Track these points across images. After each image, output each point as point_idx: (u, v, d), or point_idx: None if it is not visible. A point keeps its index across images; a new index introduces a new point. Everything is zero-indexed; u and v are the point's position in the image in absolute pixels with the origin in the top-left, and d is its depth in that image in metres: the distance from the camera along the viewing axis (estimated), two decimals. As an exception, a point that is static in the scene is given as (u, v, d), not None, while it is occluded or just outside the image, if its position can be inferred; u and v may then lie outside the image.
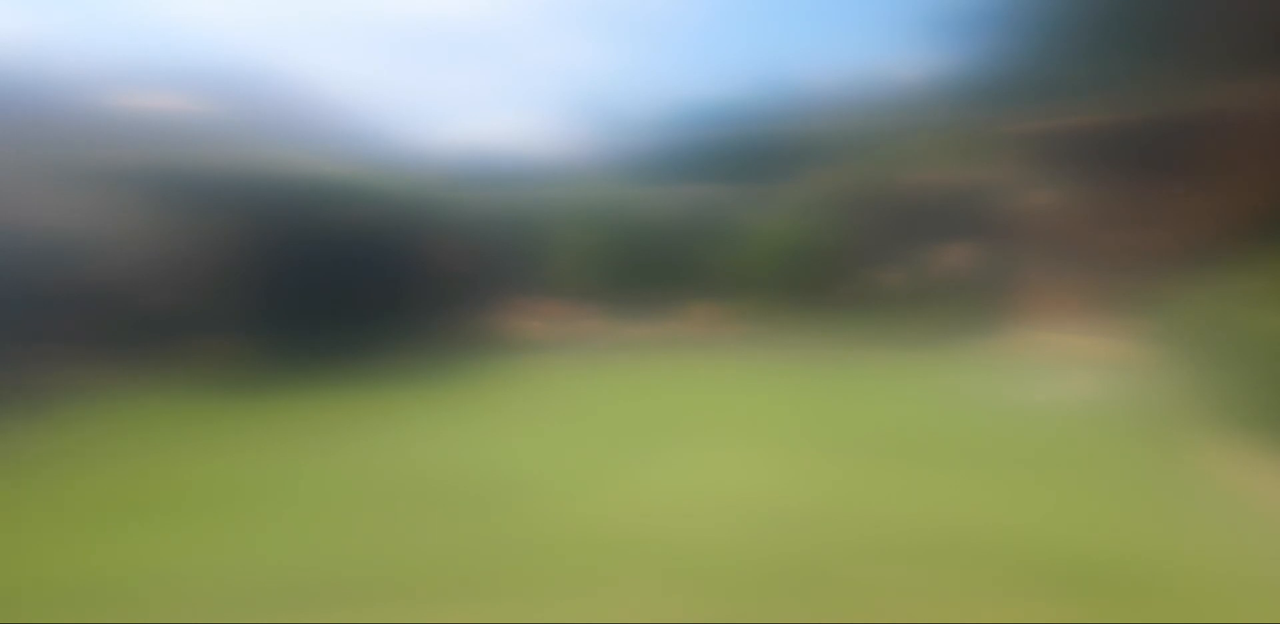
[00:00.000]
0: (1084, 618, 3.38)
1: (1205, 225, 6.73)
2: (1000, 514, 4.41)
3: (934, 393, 6.84)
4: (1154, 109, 7.25)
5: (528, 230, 8.66)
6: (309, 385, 6.95)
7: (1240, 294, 5.79)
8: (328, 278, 7.88)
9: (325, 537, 4.24)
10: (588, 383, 7.71)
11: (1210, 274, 6.14)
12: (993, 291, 7.86)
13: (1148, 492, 4.73)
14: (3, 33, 7.20)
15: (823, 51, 8.50)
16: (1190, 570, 3.75)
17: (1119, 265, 7.12)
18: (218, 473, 5.30)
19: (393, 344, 7.71)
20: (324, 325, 7.63)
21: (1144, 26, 7.32)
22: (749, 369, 7.95)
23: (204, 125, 7.81)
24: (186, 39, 7.73)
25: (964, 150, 8.05)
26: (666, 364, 8.07)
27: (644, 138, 8.73)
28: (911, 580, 3.67)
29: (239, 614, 3.44)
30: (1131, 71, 7.31)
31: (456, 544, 4.09)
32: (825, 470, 5.14)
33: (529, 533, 4.22)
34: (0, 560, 4.02)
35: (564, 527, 4.27)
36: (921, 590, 3.59)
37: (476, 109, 8.66)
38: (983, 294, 7.88)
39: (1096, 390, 6.41)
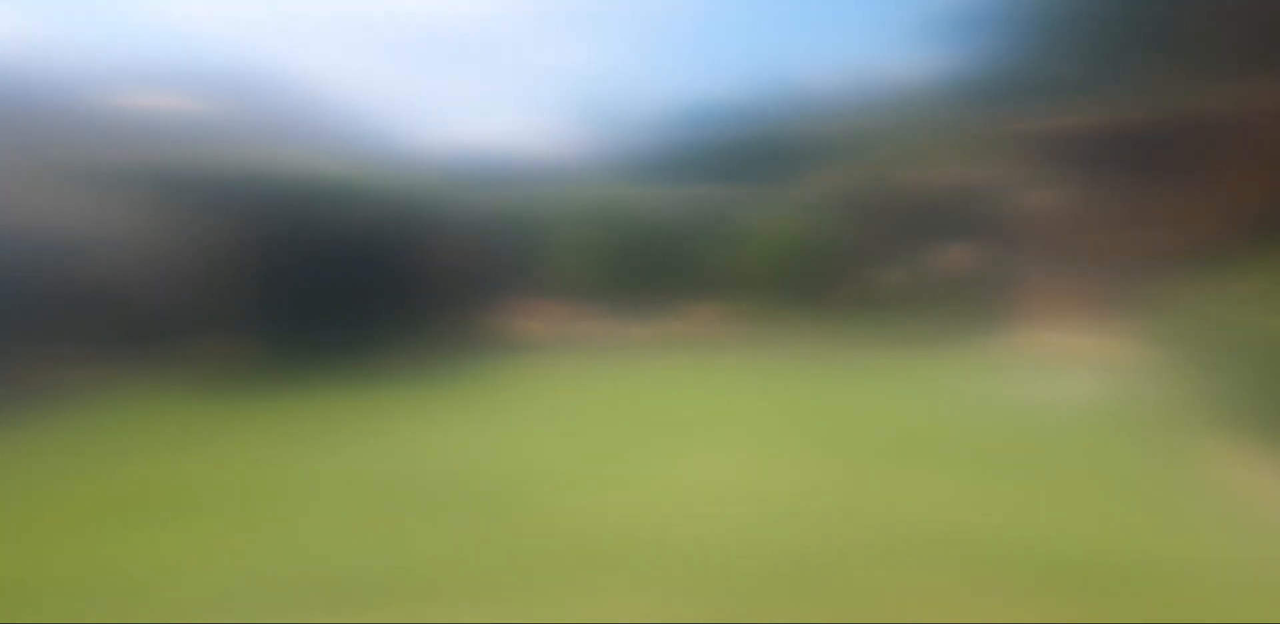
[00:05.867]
0: (1084, 618, 3.38)
1: (1205, 225, 6.72)
2: (1000, 514, 4.41)
3: (934, 393, 6.84)
4: (1154, 109, 7.25)
5: (528, 230, 8.65)
6: (310, 385, 6.95)
7: (1240, 295, 5.79)
8: (328, 278, 7.88)
9: (325, 537, 4.24)
10: (588, 383, 7.70)
11: (1210, 275, 6.13)
12: (993, 292, 7.85)
13: (1148, 492, 4.73)
14: (3, 33, 7.19)
15: (823, 51, 8.49)
16: (1190, 570, 3.75)
17: (1119, 265, 7.12)
18: (217, 473, 5.30)
19: (393, 344, 7.71)
20: (324, 325, 7.63)
21: (1144, 26, 7.31)
22: (749, 369, 7.95)
23: (204, 125, 7.80)
24: (186, 39, 7.72)
25: (964, 150, 8.04)
26: (666, 364, 8.07)
27: (644, 138, 8.71)
28: (911, 580, 3.67)
29: (241, 615, 3.45)
30: (1131, 71, 7.30)
31: (457, 544, 4.10)
32: (825, 470, 5.14)
33: (529, 533, 4.22)
34: (1, 560, 4.02)
35: (564, 526, 4.27)
36: (921, 590, 3.59)
37: (477, 109, 8.65)
38: (983, 294, 7.88)
39: (1096, 390, 6.40)
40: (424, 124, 8.35)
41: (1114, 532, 4.12)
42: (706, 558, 3.84)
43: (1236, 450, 5.12)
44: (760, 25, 8.85)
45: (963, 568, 3.70)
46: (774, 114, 8.50)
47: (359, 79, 8.21)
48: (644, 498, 4.64)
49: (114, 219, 7.22)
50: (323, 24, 8.34)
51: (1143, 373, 6.41)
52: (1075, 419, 5.95)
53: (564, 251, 8.71)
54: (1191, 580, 3.57)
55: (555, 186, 8.73)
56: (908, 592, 3.48)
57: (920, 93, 8.16)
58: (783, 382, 7.48)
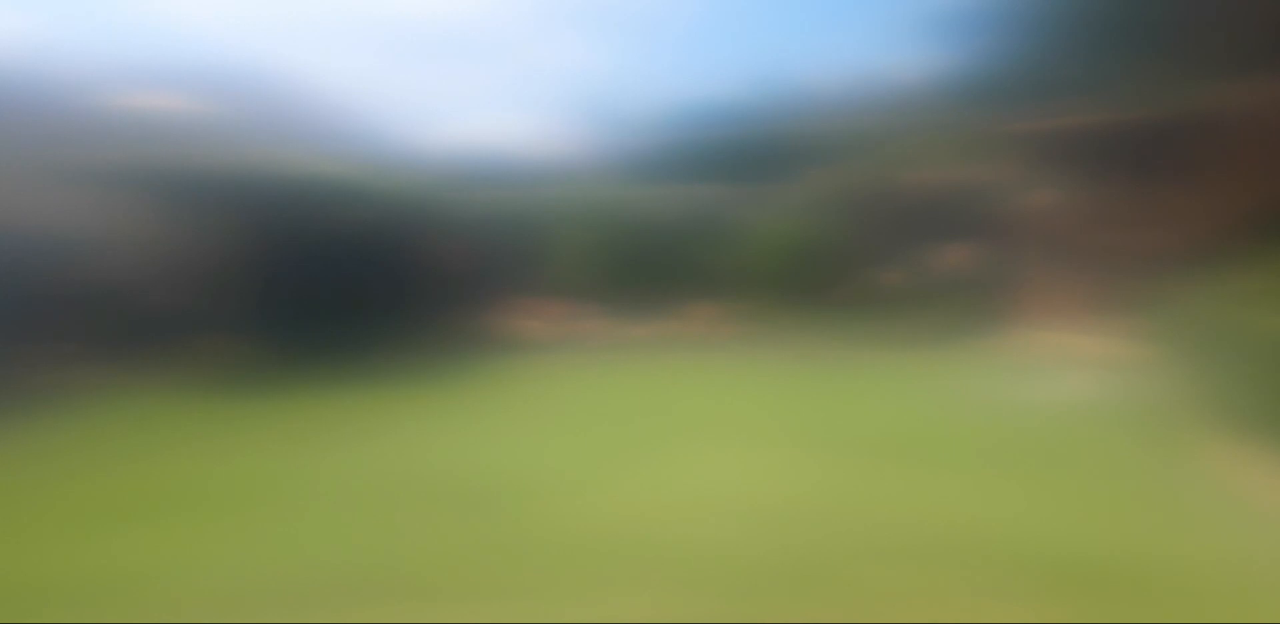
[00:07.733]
0: (1084, 618, 3.38)
1: (1205, 225, 6.73)
2: (1000, 514, 4.41)
3: (934, 393, 6.84)
4: (1154, 109, 7.25)
5: (528, 230, 8.66)
6: (309, 385, 6.95)
7: (1240, 294, 5.79)
8: (328, 278, 7.88)
9: (325, 537, 4.24)
10: (588, 383, 7.71)
11: (1210, 274, 6.14)
12: (993, 291, 7.86)
13: (1148, 491, 4.73)
14: (3, 33, 7.20)
15: (822, 51, 8.49)
16: (1190, 570, 3.75)
17: (1119, 265, 7.12)
18: (217, 473, 5.30)
19: (393, 344, 7.71)
20: (324, 325, 7.63)
21: (1143, 26, 7.32)
22: (749, 369, 7.95)
23: (204, 125, 7.81)
24: (186, 39, 7.73)
25: (964, 150, 8.05)
26: (666, 364, 8.07)
27: (644, 138, 8.72)
28: (911, 580, 3.67)
29: (240, 615, 3.45)
30: (1131, 71, 7.31)
31: (457, 544, 4.09)
32: (825, 470, 5.14)
33: (529, 533, 4.22)
34: (1, 560, 4.02)
35: (564, 526, 4.27)
36: (921, 590, 3.59)
37: (476, 109, 8.65)
38: (983, 294, 7.88)
39: (1096, 390, 6.41)
40: (424, 124, 8.35)
41: (1113, 531, 4.12)
42: (706, 558, 3.84)
43: (1236, 450, 5.13)
44: (760, 25, 8.85)
45: (962, 567, 3.70)
46: (774, 114, 8.50)
47: (359, 79, 8.21)
48: (644, 497, 4.65)
49: (114, 219, 7.22)
50: (322, 24, 8.34)
51: (1143, 373, 6.41)
52: (1075, 419, 5.95)
53: (564, 251, 8.72)
54: (1191, 579, 3.58)
55: (555, 186, 8.73)
56: (908, 591, 3.48)
57: (920, 93, 8.17)
58: (782, 381, 7.48)
